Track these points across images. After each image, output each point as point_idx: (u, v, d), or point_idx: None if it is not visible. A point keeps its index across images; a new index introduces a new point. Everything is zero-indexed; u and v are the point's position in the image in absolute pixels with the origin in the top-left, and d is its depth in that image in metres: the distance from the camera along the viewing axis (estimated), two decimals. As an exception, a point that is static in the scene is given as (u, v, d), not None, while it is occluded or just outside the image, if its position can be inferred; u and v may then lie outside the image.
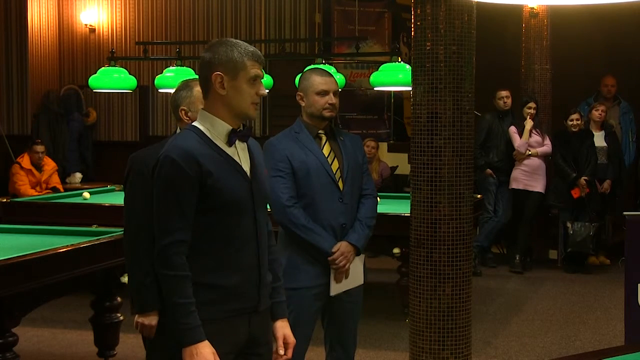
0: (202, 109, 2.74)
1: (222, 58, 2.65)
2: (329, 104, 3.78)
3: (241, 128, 2.73)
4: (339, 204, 3.77)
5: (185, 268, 2.60)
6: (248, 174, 2.73)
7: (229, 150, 2.70)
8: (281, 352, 2.85)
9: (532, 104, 8.28)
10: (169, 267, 2.59)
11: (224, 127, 2.69)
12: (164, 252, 2.60)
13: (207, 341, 2.58)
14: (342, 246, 3.75)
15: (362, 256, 3.88)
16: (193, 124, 2.75)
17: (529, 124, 8.23)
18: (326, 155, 3.79)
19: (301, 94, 3.84)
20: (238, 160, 2.72)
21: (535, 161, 8.30)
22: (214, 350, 2.58)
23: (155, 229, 2.65)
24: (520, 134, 8.26)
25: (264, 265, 2.77)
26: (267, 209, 2.88)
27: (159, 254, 2.61)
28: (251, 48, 2.69)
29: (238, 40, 2.72)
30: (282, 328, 2.89)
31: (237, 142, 2.72)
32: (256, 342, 2.79)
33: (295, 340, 2.91)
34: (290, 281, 3.76)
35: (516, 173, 8.37)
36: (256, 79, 2.68)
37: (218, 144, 2.68)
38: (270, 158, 3.77)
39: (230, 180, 2.66)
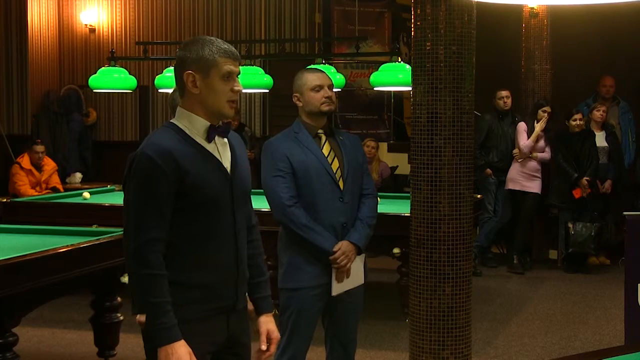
0: (180, 106, 2.72)
1: (193, 56, 2.62)
2: (325, 97, 3.79)
3: (220, 124, 2.70)
4: (340, 203, 3.77)
5: (162, 267, 2.56)
6: (228, 170, 2.70)
7: (209, 147, 2.67)
8: (263, 347, 2.82)
9: (547, 108, 8.28)
10: (145, 265, 2.55)
11: (202, 124, 2.66)
12: (140, 251, 2.55)
13: (183, 340, 2.55)
14: (343, 245, 3.75)
15: (363, 256, 3.88)
16: (171, 121, 2.72)
17: (541, 126, 8.21)
18: (326, 155, 3.80)
19: (297, 94, 3.85)
20: (218, 157, 2.68)
21: (532, 163, 8.31)
22: (190, 350, 2.55)
23: (131, 227, 2.60)
24: (529, 134, 8.24)
25: (242, 263, 2.75)
26: (249, 204, 2.85)
27: (135, 252, 2.57)
28: (224, 45, 2.65)
29: (213, 38, 2.68)
30: (266, 323, 2.86)
31: (217, 138, 2.69)
32: (235, 341, 2.77)
33: (279, 336, 2.89)
34: (292, 281, 3.77)
35: (513, 173, 8.37)
36: (230, 75, 2.64)
37: (197, 141, 2.65)
38: (270, 158, 3.78)
39: (209, 177, 2.63)
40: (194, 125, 2.66)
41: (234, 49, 2.68)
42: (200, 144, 2.65)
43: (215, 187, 2.65)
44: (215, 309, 2.68)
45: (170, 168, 2.56)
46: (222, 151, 2.72)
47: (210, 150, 2.67)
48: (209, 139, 2.67)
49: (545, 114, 8.24)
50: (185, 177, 2.58)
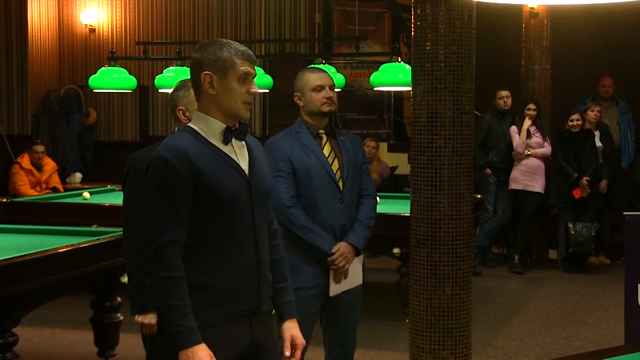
0: (196, 110, 2.71)
1: (211, 57, 2.63)
2: (326, 98, 3.78)
3: (237, 126, 2.70)
4: (339, 204, 3.77)
5: (180, 269, 2.55)
6: (246, 172, 2.69)
7: (226, 149, 2.66)
8: (287, 353, 2.77)
9: (531, 105, 8.31)
10: (164, 268, 2.54)
11: (219, 126, 2.65)
12: (158, 253, 2.55)
13: (203, 344, 2.52)
14: (341, 247, 3.74)
15: (361, 256, 3.87)
16: (188, 124, 2.72)
17: (526, 123, 8.25)
18: (326, 155, 3.79)
19: (298, 94, 3.85)
20: (235, 159, 2.68)
21: (533, 161, 8.31)
22: (211, 353, 2.53)
23: (149, 230, 2.60)
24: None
25: (264, 265, 2.72)
26: (269, 207, 2.84)
27: (153, 255, 2.56)
28: (241, 47, 2.66)
29: (229, 40, 2.69)
30: (290, 329, 2.82)
31: (234, 140, 2.68)
32: (258, 346, 2.72)
33: (304, 342, 2.85)
34: (290, 281, 3.77)
35: (515, 173, 8.38)
36: (247, 77, 2.64)
37: (214, 143, 2.64)
38: (271, 157, 3.76)
39: (226, 178, 2.62)
40: (209, 127, 2.65)
41: (250, 51, 2.69)
42: (216, 146, 2.65)
43: (232, 189, 2.63)
44: (236, 312, 2.65)
45: (186, 169, 2.56)
46: (240, 153, 2.70)
47: (227, 152, 2.67)
48: (226, 141, 2.66)
49: (530, 112, 8.26)
50: (202, 179, 2.58)
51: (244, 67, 2.63)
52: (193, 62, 2.68)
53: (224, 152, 2.66)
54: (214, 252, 2.62)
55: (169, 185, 2.57)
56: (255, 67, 2.73)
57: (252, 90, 2.66)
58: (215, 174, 2.60)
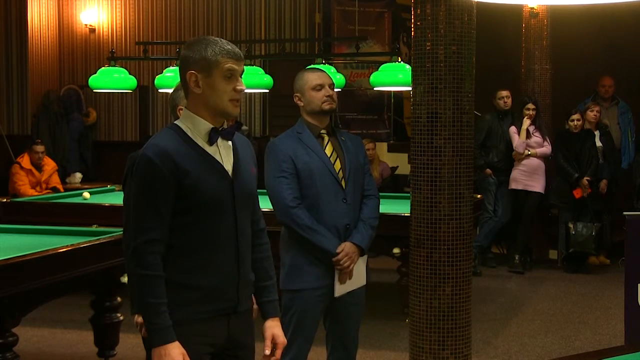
0: (185, 107, 2.72)
1: (196, 56, 2.62)
2: (326, 96, 3.79)
3: (224, 126, 2.71)
4: (343, 204, 3.76)
5: (158, 268, 2.58)
6: (230, 173, 2.70)
7: (210, 149, 2.67)
8: (267, 352, 2.80)
9: (530, 105, 8.31)
10: (142, 266, 2.57)
11: (205, 126, 2.66)
12: (138, 251, 2.58)
13: (177, 342, 2.56)
14: (346, 247, 3.74)
15: (365, 257, 3.88)
16: (175, 122, 2.73)
17: (525, 123, 8.26)
18: (329, 155, 3.80)
19: (298, 94, 3.85)
20: (219, 159, 2.68)
21: (534, 161, 8.31)
22: (184, 352, 2.56)
23: (130, 227, 2.64)
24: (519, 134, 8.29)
25: (244, 265, 2.74)
26: (255, 207, 2.84)
27: (133, 252, 2.59)
28: (228, 45, 2.65)
29: (217, 38, 2.68)
30: (272, 328, 2.84)
31: (220, 140, 2.69)
32: (235, 344, 2.75)
33: (285, 341, 2.86)
34: (294, 282, 3.77)
35: (515, 173, 8.39)
36: (232, 74, 2.63)
37: (198, 143, 2.65)
38: (274, 159, 3.78)
39: (209, 179, 2.63)
40: (196, 127, 2.66)
41: (237, 49, 2.68)
42: (200, 146, 2.66)
43: (215, 189, 2.64)
44: (215, 310, 2.68)
45: (168, 168, 2.57)
46: (225, 154, 2.71)
47: (212, 153, 2.67)
48: (211, 142, 2.67)
49: (529, 112, 8.27)
50: (184, 178, 2.59)
51: (228, 65, 2.62)
52: (181, 61, 2.69)
53: (207, 153, 2.66)
54: (196, 252, 2.64)
55: (151, 184, 2.59)
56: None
57: (238, 87, 2.65)
58: (198, 174, 2.61)
